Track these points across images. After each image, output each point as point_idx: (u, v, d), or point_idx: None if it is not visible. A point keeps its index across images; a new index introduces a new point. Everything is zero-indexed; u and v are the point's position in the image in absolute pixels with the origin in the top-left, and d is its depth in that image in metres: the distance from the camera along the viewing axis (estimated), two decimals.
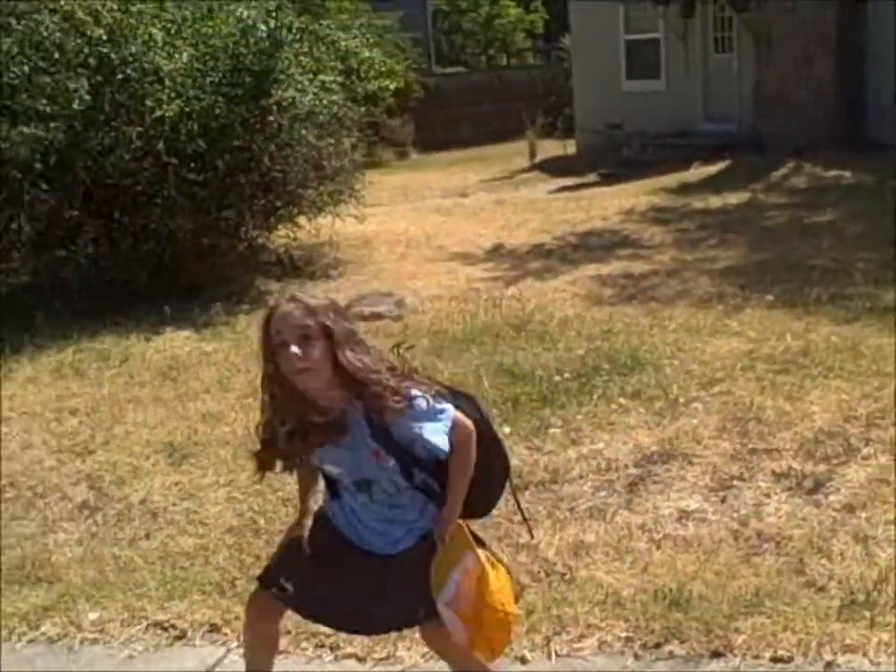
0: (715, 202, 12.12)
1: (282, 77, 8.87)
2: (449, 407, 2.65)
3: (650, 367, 6.00)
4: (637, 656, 3.33)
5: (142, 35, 8.74)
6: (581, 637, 3.45)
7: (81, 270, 8.40)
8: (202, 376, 6.68)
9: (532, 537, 3.91)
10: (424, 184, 17.22)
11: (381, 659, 3.44)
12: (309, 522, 2.82)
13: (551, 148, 20.60)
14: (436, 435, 2.61)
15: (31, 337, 7.71)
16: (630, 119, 17.74)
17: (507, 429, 5.23)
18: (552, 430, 5.22)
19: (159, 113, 8.31)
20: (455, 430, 2.64)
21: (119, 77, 8.55)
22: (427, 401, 2.61)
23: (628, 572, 3.83)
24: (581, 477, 4.68)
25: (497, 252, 10.21)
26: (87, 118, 8.35)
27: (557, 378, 5.89)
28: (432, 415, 2.62)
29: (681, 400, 5.46)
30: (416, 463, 2.65)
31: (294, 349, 2.49)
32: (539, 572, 3.88)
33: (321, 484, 2.85)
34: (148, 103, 8.38)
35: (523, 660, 3.36)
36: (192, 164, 8.51)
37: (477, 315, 7.57)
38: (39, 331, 7.84)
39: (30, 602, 3.92)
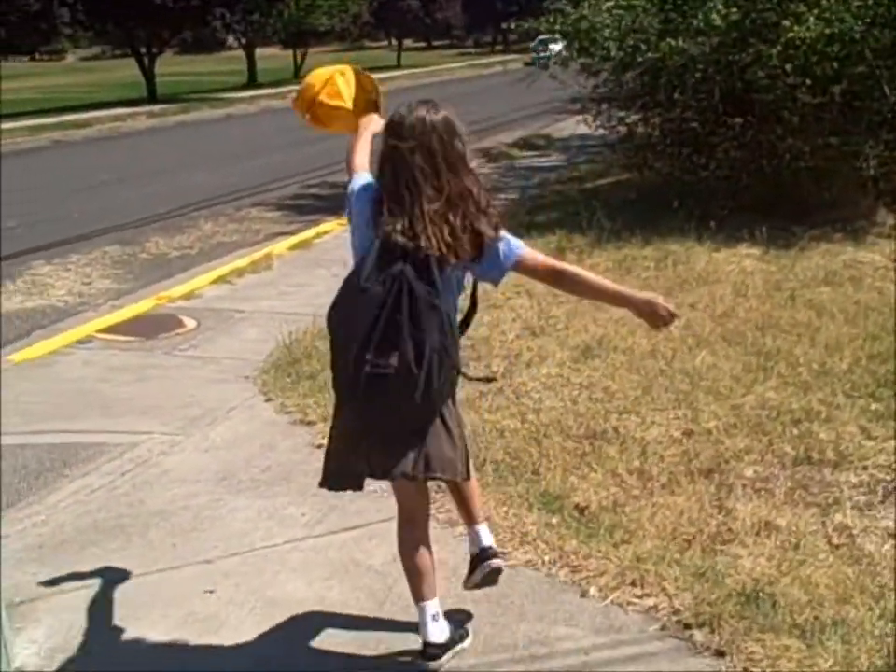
0: None
1: None
2: None
3: None
4: (664, 627, 3.54)
5: None
6: (646, 595, 3.72)
7: (707, 173, 9.21)
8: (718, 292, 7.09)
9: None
10: None
11: None
12: None
13: None
14: None
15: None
16: None
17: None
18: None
19: (791, 35, 8.51)
20: None
21: None
22: None
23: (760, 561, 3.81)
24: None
25: None
26: (729, 35, 8.94)
27: None
28: None
29: None
30: None
31: None
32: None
33: None
34: (785, 23, 8.61)
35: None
36: (817, 88, 8.58)
37: None
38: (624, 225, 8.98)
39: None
